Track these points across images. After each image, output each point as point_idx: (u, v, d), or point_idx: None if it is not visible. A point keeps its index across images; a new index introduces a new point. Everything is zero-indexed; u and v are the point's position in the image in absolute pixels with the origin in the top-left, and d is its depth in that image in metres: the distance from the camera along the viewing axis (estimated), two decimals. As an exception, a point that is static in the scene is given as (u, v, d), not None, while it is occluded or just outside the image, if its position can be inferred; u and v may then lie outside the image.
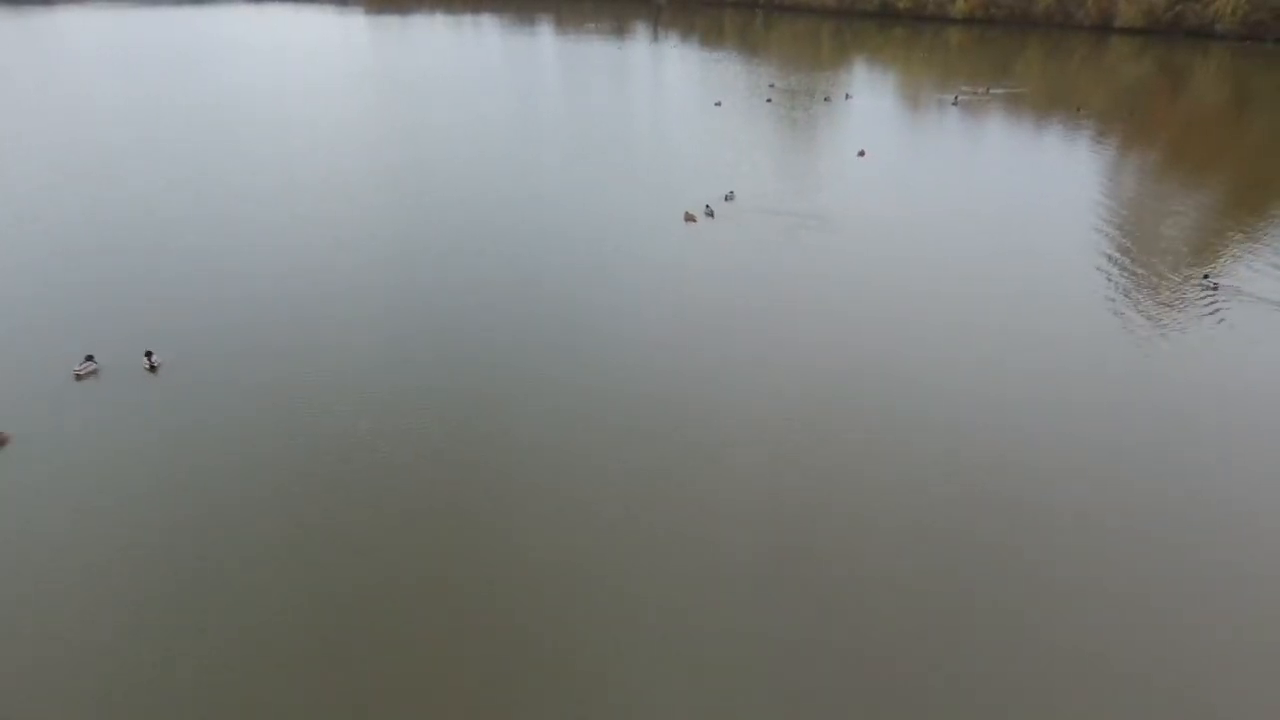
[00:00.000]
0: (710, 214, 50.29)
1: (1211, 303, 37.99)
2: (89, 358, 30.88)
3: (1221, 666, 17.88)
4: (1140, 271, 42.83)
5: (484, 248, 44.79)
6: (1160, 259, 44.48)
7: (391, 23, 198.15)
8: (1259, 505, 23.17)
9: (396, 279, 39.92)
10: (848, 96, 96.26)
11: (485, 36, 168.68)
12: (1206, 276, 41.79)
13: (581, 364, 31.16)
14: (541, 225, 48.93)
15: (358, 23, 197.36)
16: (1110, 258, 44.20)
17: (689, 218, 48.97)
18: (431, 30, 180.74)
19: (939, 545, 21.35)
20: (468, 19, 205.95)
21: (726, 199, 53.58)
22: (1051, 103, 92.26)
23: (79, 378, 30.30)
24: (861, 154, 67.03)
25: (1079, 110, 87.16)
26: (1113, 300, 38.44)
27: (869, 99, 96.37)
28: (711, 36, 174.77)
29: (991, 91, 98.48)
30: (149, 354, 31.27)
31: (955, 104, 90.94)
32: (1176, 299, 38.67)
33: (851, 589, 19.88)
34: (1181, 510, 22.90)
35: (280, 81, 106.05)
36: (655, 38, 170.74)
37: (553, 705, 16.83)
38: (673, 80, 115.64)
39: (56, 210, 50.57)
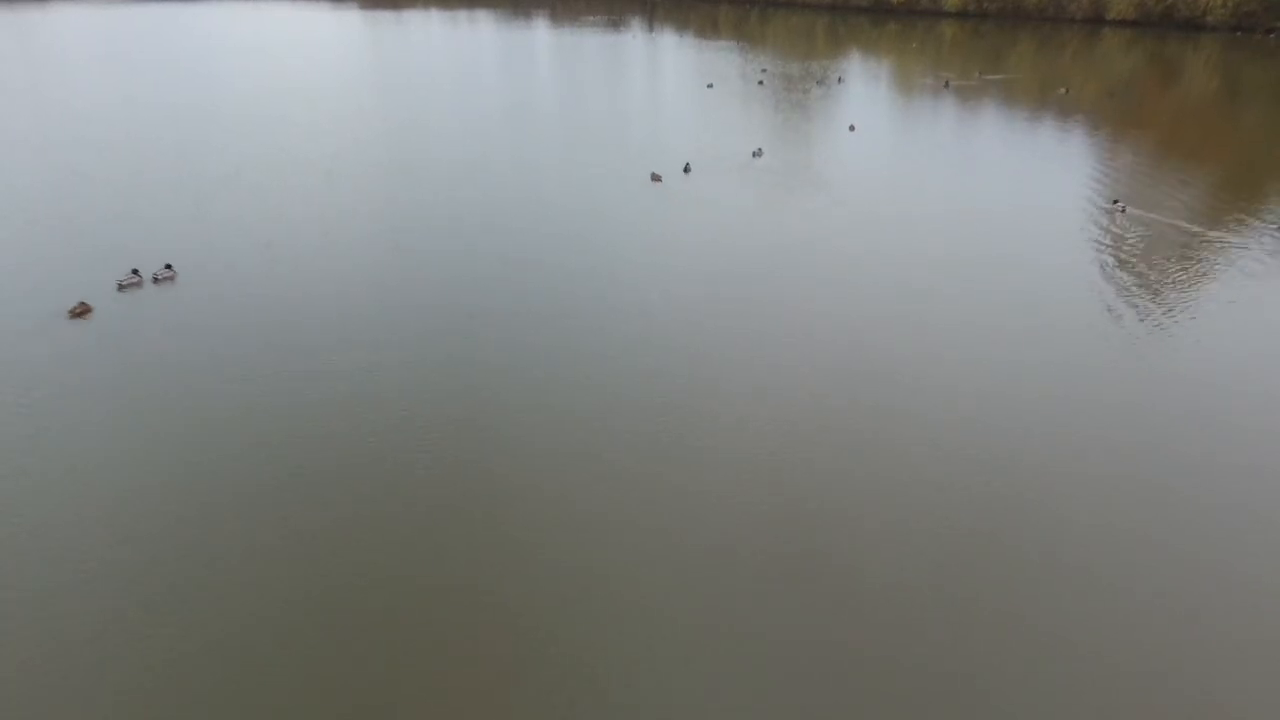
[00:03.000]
0: (687, 170, 53.30)
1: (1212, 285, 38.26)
2: (134, 271, 34.90)
3: (1231, 666, 17.18)
4: (1128, 254, 43.20)
5: (481, 226, 45.17)
6: (1147, 239, 44.94)
7: (386, 18, 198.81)
8: (1266, 503, 22.20)
9: (395, 275, 37.82)
10: (839, 80, 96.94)
11: (482, 31, 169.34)
12: (1116, 202, 44.75)
13: (579, 353, 30.08)
14: (540, 205, 49.65)
15: (352, 18, 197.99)
16: (1097, 237, 43.99)
17: (655, 178, 51.63)
18: (427, 25, 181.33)
19: (942, 542, 20.55)
20: (463, 14, 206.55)
21: (755, 155, 57.49)
22: (1043, 90, 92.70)
23: (121, 288, 34.28)
24: (852, 129, 67.72)
25: (1065, 92, 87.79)
26: (1105, 280, 37.61)
27: (861, 84, 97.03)
28: (706, 30, 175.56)
29: (982, 77, 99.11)
30: (168, 266, 35.88)
31: (947, 87, 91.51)
32: (1173, 279, 38.16)
33: (852, 585, 19.14)
34: (1188, 508, 21.91)
35: (275, 76, 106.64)
36: (650, 30, 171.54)
37: (550, 702, 16.21)
38: (668, 69, 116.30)
39: (59, 202, 51.03)
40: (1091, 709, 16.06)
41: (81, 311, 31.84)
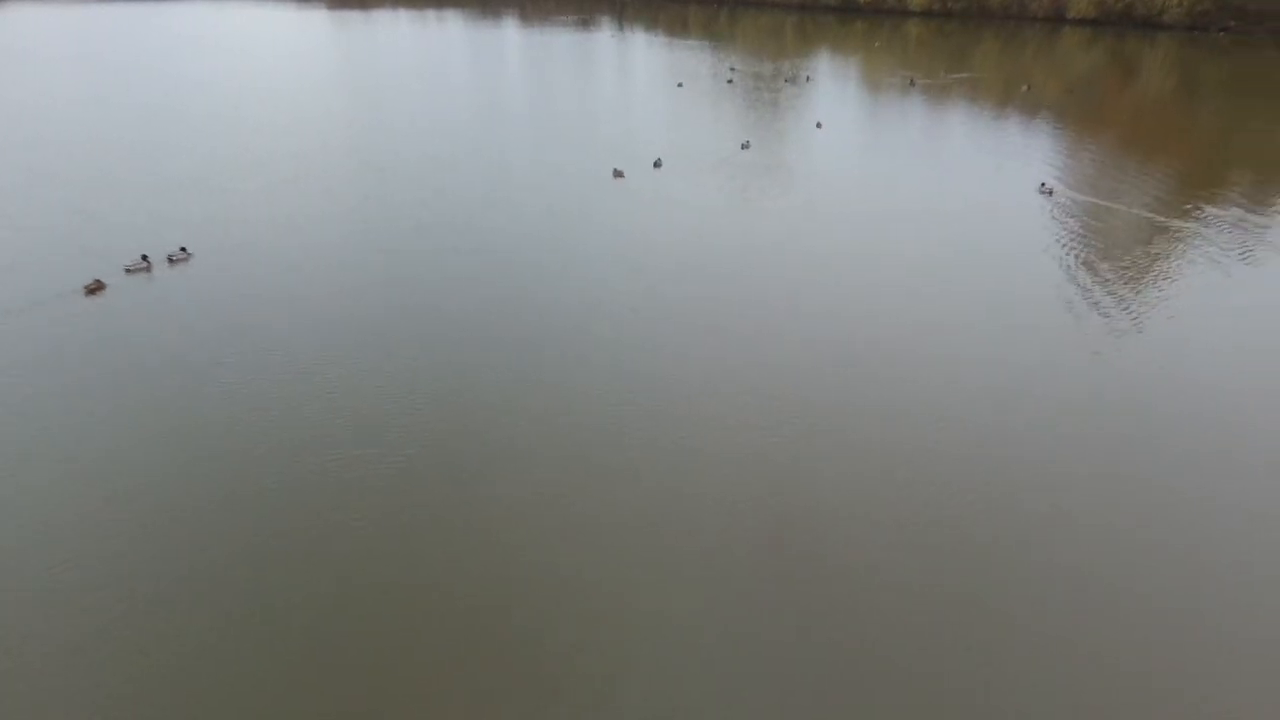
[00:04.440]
0: (658, 165, 54.88)
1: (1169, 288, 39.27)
2: (144, 256, 36.88)
3: (1208, 654, 17.62)
4: (1096, 246, 44.23)
5: (451, 227, 45.15)
6: (1112, 230, 46.10)
7: (354, 18, 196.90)
8: (1229, 495, 22.65)
9: (365, 277, 37.52)
10: (808, 79, 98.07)
11: (451, 31, 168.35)
12: (1043, 185, 48.91)
13: (554, 353, 30.05)
14: (511, 204, 49.79)
15: (320, 18, 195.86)
16: (1065, 231, 44.86)
17: (617, 174, 52.84)
18: (395, 25, 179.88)
19: (929, 538, 20.74)
20: (431, 14, 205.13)
21: (743, 147, 60.00)
22: (1004, 87, 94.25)
23: (129, 271, 36.15)
24: (819, 126, 68.67)
25: (1026, 89, 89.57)
26: (1074, 275, 38.13)
27: (830, 83, 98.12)
28: (676, 29, 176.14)
29: (947, 76, 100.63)
30: (183, 248, 38.10)
31: (913, 85, 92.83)
32: (1141, 271, 38.89)
33: (839, 581, 19.32)
34: (1170, 502, 22.22)
35: (244, 77, 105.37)
36: (620, 30, 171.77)
37: (539, 703, 16.28)
38: (638, 68, 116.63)
39: (21, 202, 50.20)
40: (1081, 702, 16.29)
41: (96, 288, 34.28)
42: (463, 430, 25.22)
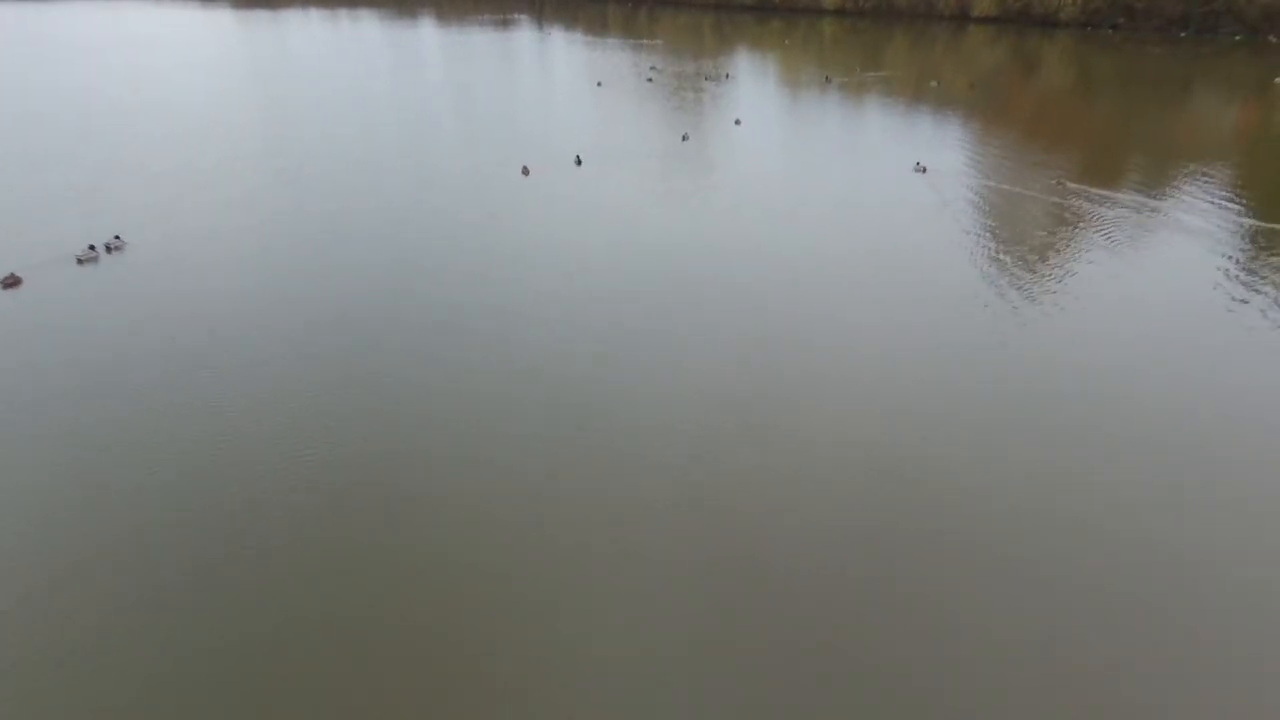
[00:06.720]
0: (579, 162, 55.11)
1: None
2: (91, 246, 37.50)
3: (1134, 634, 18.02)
4: (1008, 236, 45.98)
5: (372, 235, 43.89)
6: (1024, 220, 48.03)
7: (261, 18, 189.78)
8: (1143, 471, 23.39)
9: (278, 290, 37.37)
10: (727, 76, 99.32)
11: (365, 31, 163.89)
12: (918, 163, 52.51)
13: (482, 362, 29.31)
14: (431, 209, 48.80)
15: (224, 18, 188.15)
16: (981, 223, 46.74)
17: (525, 171, 52.99)
18: (306, 25, 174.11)
19: (866, 535, 20.78)
20: (344, 13, 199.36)
21: (684, 139, 61.94)
22: (916, 84, 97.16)
23: (80, 262, 36.66)
24: (738, 122, 69.58)
25: (935, 84, 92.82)
26: (993, 266, 39.17)
27: (750, 81, 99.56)
28: (596, 28, 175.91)
29: (862, 74, 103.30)
30: (117, 236, 38.92)
31: (829, 82, 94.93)
32: (1058, 260, 40.36)
33: (768, 581, 19.30)
34: (1099, 486, 22.73)
35: (148, 83, 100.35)
36: (541, 29, 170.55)
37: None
38: (559, 67, 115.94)
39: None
40: (1028, 694, 16.45)
41: (12, 283, 34.12)
42: (395, 444, 24.35)
